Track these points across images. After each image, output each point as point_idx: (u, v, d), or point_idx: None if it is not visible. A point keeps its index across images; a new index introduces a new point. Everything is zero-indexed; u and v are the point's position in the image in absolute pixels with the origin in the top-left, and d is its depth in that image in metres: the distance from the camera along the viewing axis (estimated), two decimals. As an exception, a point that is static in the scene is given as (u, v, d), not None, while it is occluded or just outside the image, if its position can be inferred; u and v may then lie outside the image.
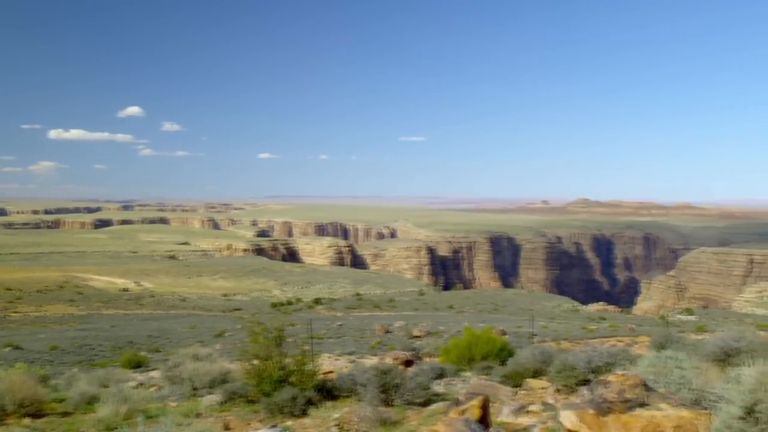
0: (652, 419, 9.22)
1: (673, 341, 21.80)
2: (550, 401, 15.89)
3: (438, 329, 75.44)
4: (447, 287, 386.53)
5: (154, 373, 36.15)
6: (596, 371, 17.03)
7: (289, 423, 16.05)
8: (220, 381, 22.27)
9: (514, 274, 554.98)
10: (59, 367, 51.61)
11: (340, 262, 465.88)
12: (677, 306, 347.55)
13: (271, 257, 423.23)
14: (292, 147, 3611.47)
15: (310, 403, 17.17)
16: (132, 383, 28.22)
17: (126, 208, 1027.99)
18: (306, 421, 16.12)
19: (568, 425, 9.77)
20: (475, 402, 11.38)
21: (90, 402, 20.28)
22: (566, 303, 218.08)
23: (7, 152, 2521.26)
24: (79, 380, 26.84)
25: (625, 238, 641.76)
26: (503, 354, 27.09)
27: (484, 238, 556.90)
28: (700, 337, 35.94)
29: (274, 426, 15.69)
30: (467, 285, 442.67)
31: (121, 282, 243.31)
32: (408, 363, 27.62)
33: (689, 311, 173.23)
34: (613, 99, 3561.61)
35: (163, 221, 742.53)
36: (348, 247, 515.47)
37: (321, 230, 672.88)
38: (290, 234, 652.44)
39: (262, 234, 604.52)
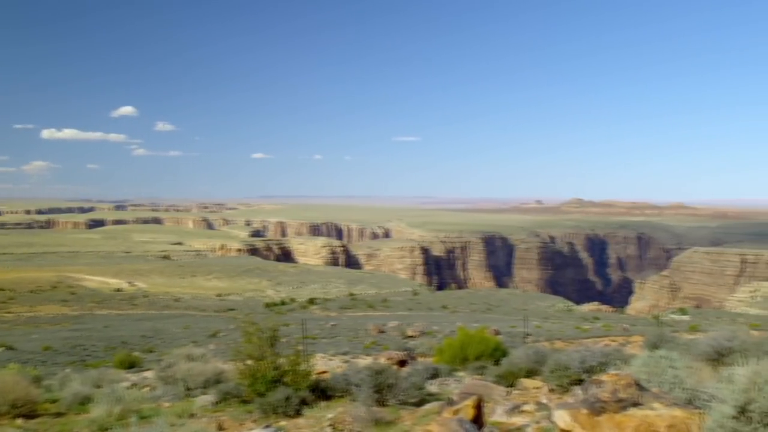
0: (645, 419, 9.24)
1: (666, 341, 21.83)
2: (544, 401, 15.90)
3: (432, 329, 75.56)
4: (441, 287, 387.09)
5: (148, 374, 36.07)
6: (590, 371, 17.05)
7: (282, 423, 16.03)
8: (213, 381, 22.22)
9: (508, 274, 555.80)
10: (52, 367, 51.50)
11: (334, 262, 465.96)
12: (670, 306, 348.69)
13: (264, 257, 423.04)
14: (285, 147, 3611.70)
15: (303, 403, 17.15)
16: (125, 384, 28.13)
17: (119, 208, 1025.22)
18: (300, 421, 16.11)
19: (562, 425, 9.78)
20: (469, 402, 11.38)
21: (83, 402, 20.23)
22: (560, 303, 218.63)
23: (0, 152, 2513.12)
24: (72, 381, 26.76)
25: (619, 238, 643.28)
26: (497, 354, 27.10)
27: (478, 238, 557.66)
28: (692, 337, 36.02)
29: (267, 426, 15.67)
30: (461, 285, 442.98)
31: (114, 282, 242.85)
32: (402, 363, 27.62)
33: (682, 311, 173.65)
34: (606, 98, 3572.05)
35: (157, 221, 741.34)
36: (342, 247, 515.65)
37: (315, 230, 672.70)
38: (284, 234, 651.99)
39: (256, 234, 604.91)
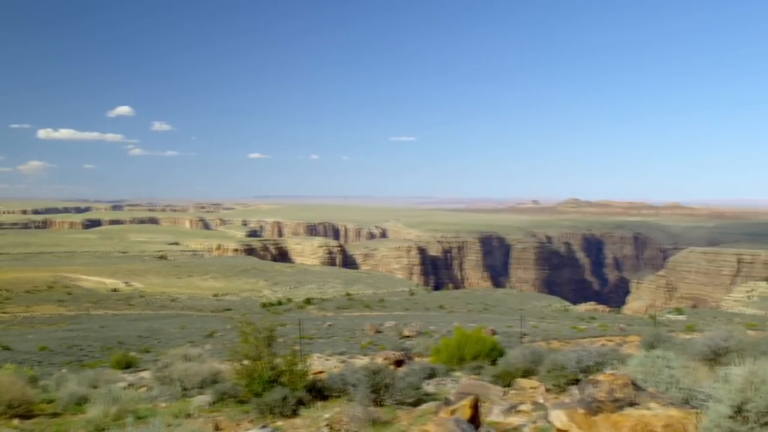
0: (642, 418, 9.25)
1: (663, 341, 21.89)
2: (541, 401, 15.92)
3: (428, 329, 75.56)
4: (437, 287, 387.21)
5: (144, 374, 36.03)
6: (586, 371, 17.08)
7: (279, 423, 16.03)
8: (210, 381, 22.22)
9: (505, 274, 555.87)
10: (48, 367, 51.43)
11: (331, 262, 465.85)
12: (667, 305, 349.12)
13: (261, 257, 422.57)
14: (282, 147, 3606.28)
15: (300, 403, 17.16)
16: (122, 384, 28.11)
17: (116, 208, 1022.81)
18: (296, 421, 16.11)
19: (559, 425, 9.79)
20: (466, 402, 11.39)
21: (79, 403, 20.22)
22: (556, 303, 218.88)
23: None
24: (68, 381, 26.75)
25: (615, 237, 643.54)
26: (494, 354, 27.13)
27: (475, 238, 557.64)
28: (689, 337, 36.08)
29: (264, 426, 15.67)
30: (458, 285, 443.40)
31: (110, 282, 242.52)
32: (399, 363, 27.64)
33: (679, 311, 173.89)
34: (602, 99, 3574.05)
35: (153, 221, 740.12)
36: (339, 247, 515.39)
37: (312, 230, 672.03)
38: (281, 234, 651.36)
39: (253, 234, 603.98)
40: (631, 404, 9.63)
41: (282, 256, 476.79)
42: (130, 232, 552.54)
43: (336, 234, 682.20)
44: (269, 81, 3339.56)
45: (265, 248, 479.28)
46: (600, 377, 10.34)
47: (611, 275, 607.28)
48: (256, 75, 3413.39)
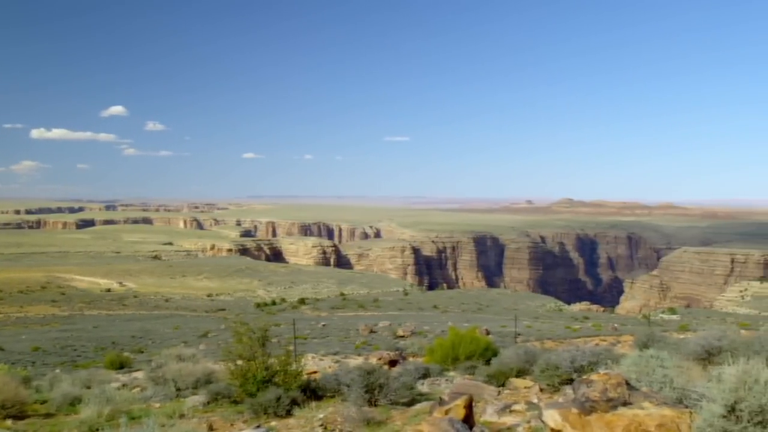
0: (635, 418, 9.27)
1: (656, 340, 21.93)
2: (534, 400, 15.94)
3: (423, 329, 75.54)
4: (431, 287, 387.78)
5: (138, 374, 35.96)
6: (580, 370, 17.11)
7: (273, 423, 16.02)
8: (204, 382, 22.21)
9: (499, 273, 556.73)
10: (41, 368, 51.29)
11: (325, 262, 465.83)
12: (660, 305, 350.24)
13: (255, 257, 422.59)
14: (276, 147, 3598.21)
15: (294, 403, 17.15)
16: (115, 384, 28.07)
17: (109, 208, 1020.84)
18: (290, 421, 16.10)
19: (552, 424, 9.80)
20: (460, 401, 11.39)
21: (73, 403, 20.18)
22: (550, 302, 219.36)
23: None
24: (61, 381, 26.69)
25: (609, 237, 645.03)
26: (487, 353, 27.17)
27: (469, 238, 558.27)
28: (682, 336, 36.18)
29: (258, 426, 15.65)
30: (451, 285, 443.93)
31: (104, 282, 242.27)
32: (392, 363, 27.64)
33: (672, 310, 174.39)
34: (596, 99, 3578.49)
35: (147, 221, 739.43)
36: (332, 247, 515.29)
37: (305, 230, 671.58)
38: (275, 234, 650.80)
39: (247, 234, 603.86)
40: (625, 404, 9.64)
41: (276, 256, 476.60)
42: (124, 232, 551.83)
43: (330, 234, 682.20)
44: (263, 81, 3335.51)
45: (259, 248, 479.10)
46: (593, 377, 10.34)
47: (605, 275, 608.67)
48: (249, 75, 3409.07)
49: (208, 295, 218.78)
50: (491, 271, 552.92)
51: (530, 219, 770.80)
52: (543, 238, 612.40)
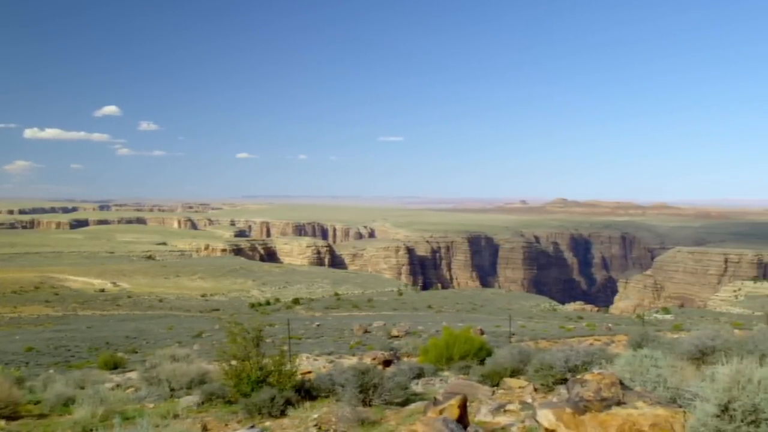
0: (629, 417, 9.28)
1: (650, 340, 21.96)
2: (528, 400, 15.95)
3: (417, 329, 75.62)
4: (426, 287, 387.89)
5: (132, 375, 35.93)
6: (574, 370, 17.13)
7: (267, 423, 16.00)
8: (198, 382, 22.18)
9: (493, 273, 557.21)
10: (35, 368, 51.20)
11: (319, 262, 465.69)
12: (654, 305, 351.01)
13: (249, 257, 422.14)
14: (270, 147, 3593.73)
15: (288, 403, 17.12)
16: (109, 384, 28.03)
17: (103, 208, 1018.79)
18: (285, 421, 16.08)
19: (546, 424, 9.81)
20: (454, 401, 11.40)
21: (66, 404, 20.14)
22: (544, 302, 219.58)
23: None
24: (55, 382, 26.62)
25: (603, 237, 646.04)
26: (481, 353, 27.18)
27: (463, 238, 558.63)
28: (676, 336, 36.25)
29: (252, 427, 15.63)
30: (446, 285, 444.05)
31: (97, 282, 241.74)
32: (387, 363, 27.64)
33: (666, 310, 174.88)
34: (590, 99, 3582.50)
35: (141, 221, 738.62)
36: (327, 247, 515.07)
37: (299, 230, 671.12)
38: (269, 234, 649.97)
39: (241, 234, 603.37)
40: (619, 403, 9.66)
41: (270, 256, 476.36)
42: (118, 232, 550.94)
43: (324, 234, 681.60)
44: (257, 81, 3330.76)
45: (253, 248, 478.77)
46: (587, 376, 10.36)
47: (599, 275, 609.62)
48: (243, 75, 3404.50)
49: (202, 296, 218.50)
50: (485, 271, 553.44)
51: (524, 219, 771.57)
52: (537, 238, 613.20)
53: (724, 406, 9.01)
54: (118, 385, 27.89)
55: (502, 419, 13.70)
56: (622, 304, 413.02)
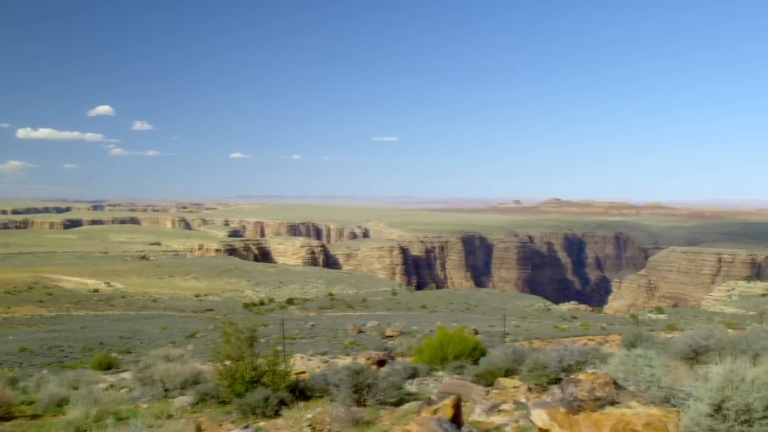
0: (623, 417, 9.30)
1: (644, 340, 22.00)
2: (522, 400, 15.97)
3: (411, 329, 75.61)
4: (420, 287, 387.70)
5: (125, 375, 35.85)
6: (567, 370, 17.15)
7: (261, 424, 16.00)
8: (192, 382, 22.15)
9: (487, 273, 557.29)
10: (28, 369, 51.05)
11: (313, 262, 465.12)
12: (648, 305, 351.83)
13: (243, 257, 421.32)
14: (264, 147, 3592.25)
15: (282, 403, 17.12)
16: (103, 385, 27.98)
17: (96, 208, 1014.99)
18: (279, 421, 16.07)
19: (540, 424, 9.82)
20: (448, 401, 11.40)
21: (60, 404, 20.09)
22: (538, 302, 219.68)
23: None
24: (48, 382, 26.55)
25: (597, 237, 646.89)
26: (476, 353, 27.20)
27: (457, 238, 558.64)
28: (670, 336, 36.32)
29: (246, 427, 15.62)
30: (440, 285, 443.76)
31: (91, 283, 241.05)
32: (381, 363, 27.66)
33: (659, 310, 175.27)
34: (584, 99, 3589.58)
35: (134, 221, 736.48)
36: (321, 247, 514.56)
37: (293, 230, 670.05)
38: (263, 234, 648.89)
39: (235, 234, 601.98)
40: (612, 403, 9.67)
41: (264, 256, 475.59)
42: (111, 232, 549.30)
43: (318, 234, 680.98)
44: (250, 81, 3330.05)
45: (247, 248, 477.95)
46: (581, 376, 10.37)
47: (592, 275, 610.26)
48: (237, 75, 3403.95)
49: (196, 296, 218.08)
50: (479, 271, 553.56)
51: (518, 219, 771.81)
52: (531, 238, 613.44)
53: (718, 405, 9.04)
54: (111, 386, 27.84)
55: (496, 419, 13.71)
56: (615, 303, 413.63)
